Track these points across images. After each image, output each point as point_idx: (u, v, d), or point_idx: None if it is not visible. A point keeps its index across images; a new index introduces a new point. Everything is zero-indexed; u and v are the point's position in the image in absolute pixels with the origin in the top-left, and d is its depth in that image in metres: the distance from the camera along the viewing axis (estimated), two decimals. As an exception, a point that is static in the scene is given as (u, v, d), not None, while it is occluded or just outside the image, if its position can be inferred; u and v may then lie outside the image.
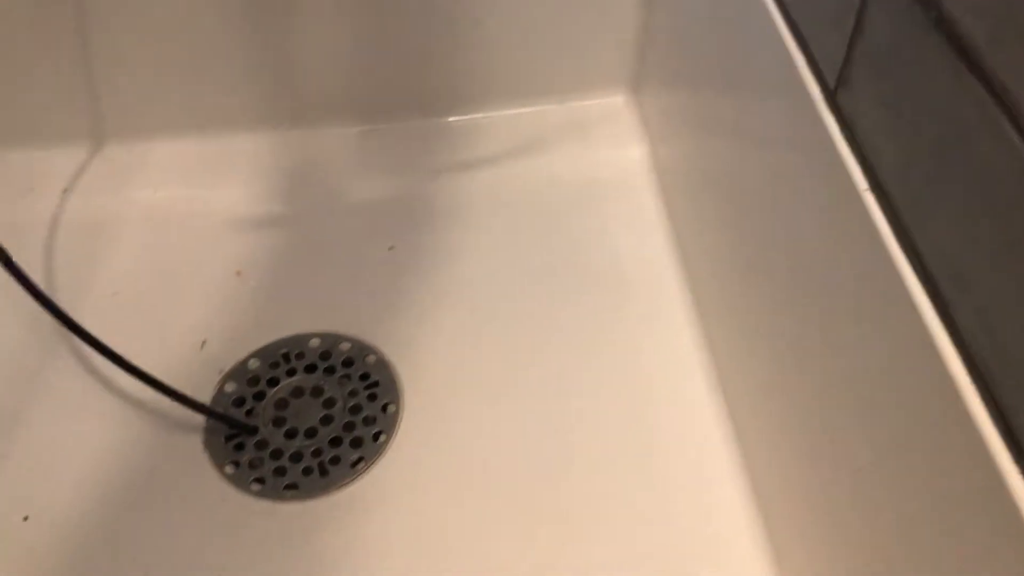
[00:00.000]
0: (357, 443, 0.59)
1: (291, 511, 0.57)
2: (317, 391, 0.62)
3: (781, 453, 0.53)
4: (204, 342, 0.65)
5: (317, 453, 0.59)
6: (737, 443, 0.58)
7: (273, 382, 0.63)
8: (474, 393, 0.62)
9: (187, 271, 0.70)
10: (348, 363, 0.63)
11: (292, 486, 0.58)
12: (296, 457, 0.59)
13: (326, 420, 0.61)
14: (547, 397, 0.61)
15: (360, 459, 0.59)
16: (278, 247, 0.71)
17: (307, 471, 0.58)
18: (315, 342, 0.65)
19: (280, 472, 0.58)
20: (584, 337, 0.65)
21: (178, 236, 0.72)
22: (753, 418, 0.57)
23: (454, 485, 0.57)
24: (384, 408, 0.61)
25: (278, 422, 0.61)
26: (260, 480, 0.58)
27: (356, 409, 0.61)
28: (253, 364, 0.64)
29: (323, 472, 0.58)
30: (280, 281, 0.69)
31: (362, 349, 0.64)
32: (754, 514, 0.55)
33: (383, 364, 0.63)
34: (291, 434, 0.60)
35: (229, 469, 0.59)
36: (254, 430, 0.60)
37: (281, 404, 0.62)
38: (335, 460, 0.59)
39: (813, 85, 0.44)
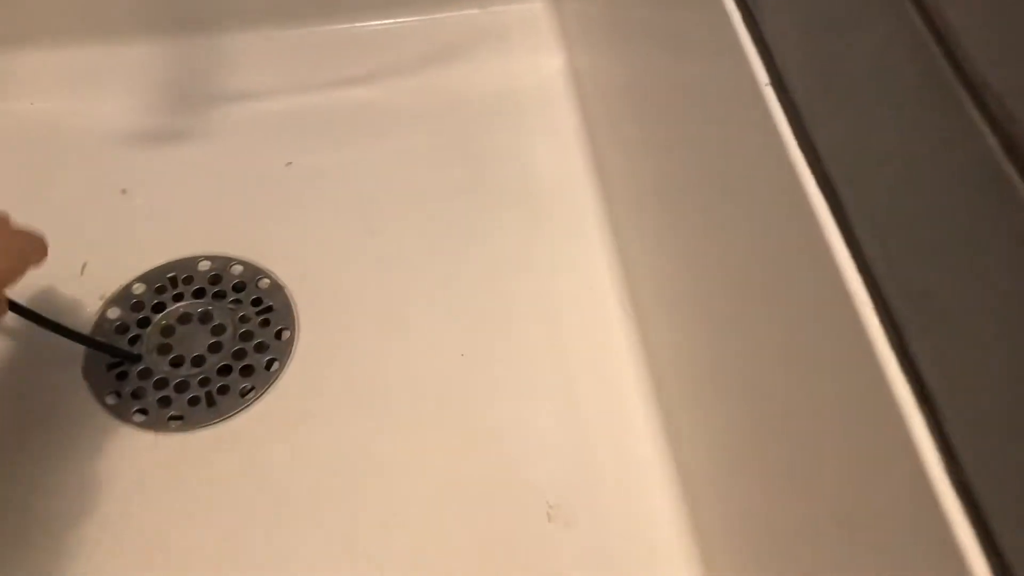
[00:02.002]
0: (248, 371, 0.56)
1: (175, 442, 0.53)
2: (206, 317, 0.58)
3: (688, 374, 0.51)
4: (84, 266, 0.60)
5: (205, 382, 0.55)
6: (647, 360, 0.56)
7: (159, 308, 0.58)
8: (375, 318, 0.58)
9: (66, 190, 0.64)
10: (240, 287, 0.59)
11: (177, 417, 0.54)
12: (182, 386, 0.55)
13: (215, 348, 0.57)
14: (453, 321, 0.58)
15: (251, 388, 0.55)
16: (166, 164, 0.66)
17: (193, 401, 0.54)
18: (205, 265, 0.60)
19: (165, 402, 0.54)
20: (495, 258, 0.61)
21: (57, 152, 0.66)
22: (665, 339, 0.54)
23: (352, 414, 0.54)
24: (278, 334, 0.57)
25: (163, 350, 0.57)
26: (143, 411, 0.54)
27: (247, 336, 0.57)
28: (137, 289, 0.59)
29: (210, 402, 0.54)
30: (168, 200, 0.64)
31: (255, 272, 0.60)
32: (660, 427, 0.53)
33: (277, 288, 0.59)
34: (177, 362, 0.56)
35: (110, 399, 0.55)
36: (137, 358, 0.56)
37: (167, 331, 0.58)
38: (224, 389, 0.55)
39: (717, -27, 0.40)
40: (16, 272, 0.46)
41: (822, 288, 0.31)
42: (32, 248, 0.49)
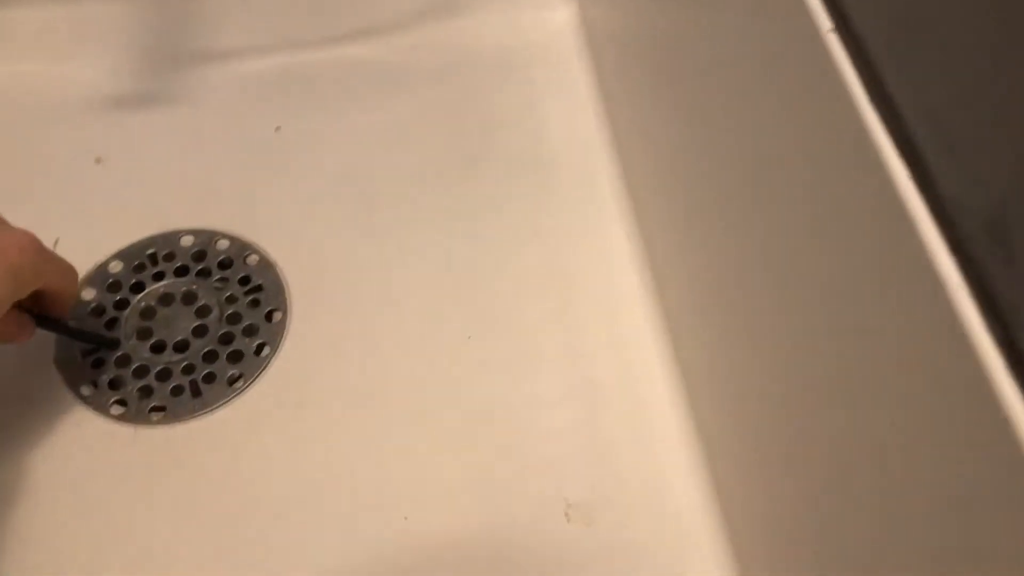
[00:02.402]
0: (236, 357, 0.51)
1: (157, 436, 0.49)
2: (189, 297, 0.53)
3: (714, 354, 0.46)
4: (56, 242, 0.55)
5: (189, 370, 0.51)
6: (671, 341, 0.51)
7: (138, 288, 0.54)
8: (374, 297, 0.53)
9: (37, 159, 0.59)
10: (226, 264, 0.54)
11: (159, 408, 0.49)
12: (164, 375, 0.50)
13: (199, 331, 0.52)
14: (459, 300, 0.53)
15: (239, 376, 0.50)
16: (145, 130, 0.60)
17: (177, 390, 0.50)
18: (188, 240, 0.55)
19: (145, 392, 0.50)
20: (503, 229, 0.56)
21: (25, 118, 0.61)
22: (689, 315, 0.50)
23: (350, 403, 0.50)
24: (268, 316, 0.52)
25: (143, 334, 0.52)
26: (122, 402, 0.50)
27: (235, 318, 0.52)
28: (115, 267, 0.54)
29: (195, 392, 0.50)
30: (148, 170, 0.59)
31: (243, 248, 0.55)
32: (685, 413, 0.49)
33: (267, 265, 0.54)
34: (158, 348, 0.51)
35: (86, 390, 0.50)
36: (115, 344, 0.51)
37: (147, 313, 0.53)
38: (209, 377, 0.50)
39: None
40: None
41: (900, 270, 0.27)
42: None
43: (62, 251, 0.54)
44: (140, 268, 0.54)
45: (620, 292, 0.53)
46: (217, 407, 0.49)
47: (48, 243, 0.55)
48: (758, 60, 0.36)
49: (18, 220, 0.56)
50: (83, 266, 0.54)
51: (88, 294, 0.53)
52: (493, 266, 0.54)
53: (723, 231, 0.45)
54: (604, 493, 0.46)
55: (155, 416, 0.49)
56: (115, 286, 0.54)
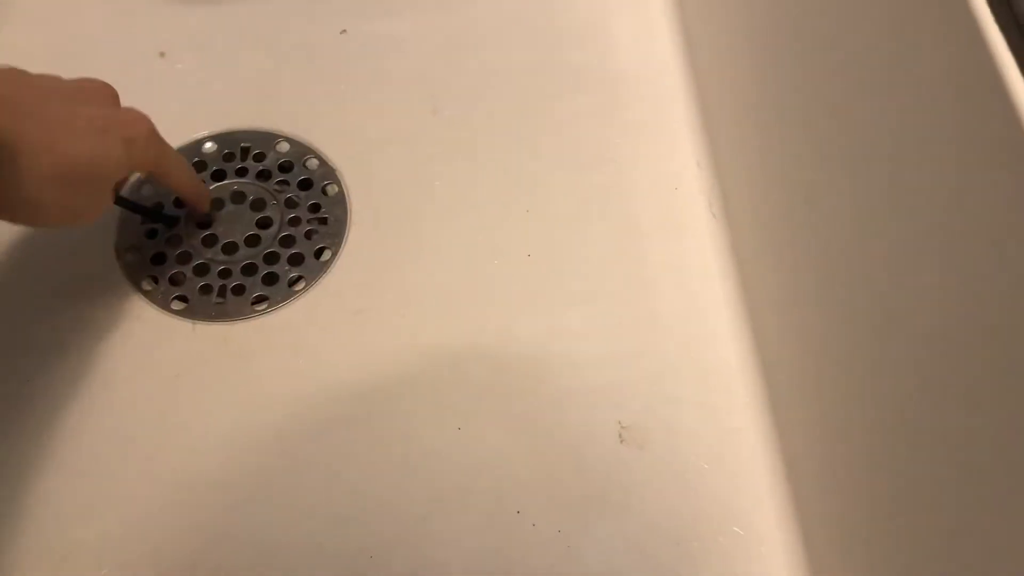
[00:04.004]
0: (297, 260, 0.51)
1: (216, 332, 0.49)
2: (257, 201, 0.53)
3: (782, 288, 0.45)
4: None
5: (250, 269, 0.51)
6: (737, 272, 0.50)
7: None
8: (434, 209, 0.53)
9: (102, 52, 0.59)
10: (287, 167, 0.54)
11: (219, 303, 0.50)
12: (224, 274, 0.51)
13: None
14: (520, 216, 0.52)
15: (300, 277, 0.50)
16: (209, 26, 0.59)
17: (237, 289, 0.50)
18: (246, 142, 0.55)
19: (206, 290, 0.50)
20: (568, 147, 0.55)
21: (90, 10, 0.60)
22: (758, 246, 0.49)
23: (406, 315, 0.49)
24: (323, 220, 0.52)
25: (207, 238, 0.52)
26: (183, 298, 0.50)
27: (295, 221, 0.52)
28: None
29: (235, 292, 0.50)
30: (209, 66, 0.58)
31: (303, 151, 0.54)
32: (748, 345, 0.48)
33: (328, 170, 0.54)
34: (213, 244, 0.51)
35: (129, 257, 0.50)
36: (174, 221, 0.52)
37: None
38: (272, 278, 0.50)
39: None
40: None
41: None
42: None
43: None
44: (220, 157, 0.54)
45: (686, 219, 0.52)
46: (273, 310, 0.49)
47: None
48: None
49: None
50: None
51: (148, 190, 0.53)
52: (556, 184, 0.53)
53: (803, 165, 0.43)
54: (660, 419, 0.46)
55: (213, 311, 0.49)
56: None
